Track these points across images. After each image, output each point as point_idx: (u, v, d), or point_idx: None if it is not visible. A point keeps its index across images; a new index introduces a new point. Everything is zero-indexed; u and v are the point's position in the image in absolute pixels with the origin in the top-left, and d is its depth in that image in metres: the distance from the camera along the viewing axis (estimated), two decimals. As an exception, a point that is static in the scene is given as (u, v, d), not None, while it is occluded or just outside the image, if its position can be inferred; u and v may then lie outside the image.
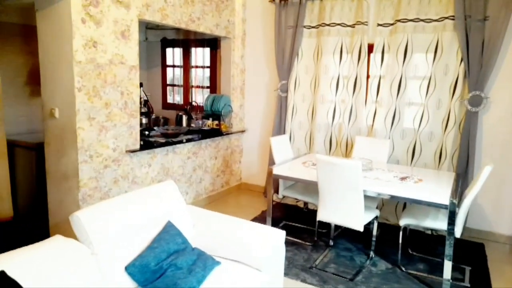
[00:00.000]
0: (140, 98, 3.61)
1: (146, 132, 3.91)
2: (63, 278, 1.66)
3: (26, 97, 4.05)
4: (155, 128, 4.18)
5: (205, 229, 2.47)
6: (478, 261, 3.28)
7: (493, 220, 3.71)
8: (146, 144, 3.56)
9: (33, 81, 4.10)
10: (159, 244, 2.12)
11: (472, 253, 3.42)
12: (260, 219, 4.02)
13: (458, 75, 3.58)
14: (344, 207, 2.90)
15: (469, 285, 2.89)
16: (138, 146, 3.44)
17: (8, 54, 3.87)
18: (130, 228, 2.06)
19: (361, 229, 2.87)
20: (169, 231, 2.22)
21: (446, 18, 3.56)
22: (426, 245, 3.54)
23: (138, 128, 3.43)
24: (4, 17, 3.89)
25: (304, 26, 4.31)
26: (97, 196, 3.12)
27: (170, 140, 3.84)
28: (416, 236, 3.70)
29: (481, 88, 3.48)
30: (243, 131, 4.99)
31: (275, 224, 3.87)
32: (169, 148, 3.84)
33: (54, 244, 1.80)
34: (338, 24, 4.11)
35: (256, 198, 4.81)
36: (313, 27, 4.29)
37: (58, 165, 3.08)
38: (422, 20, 3.68)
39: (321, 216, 3.05)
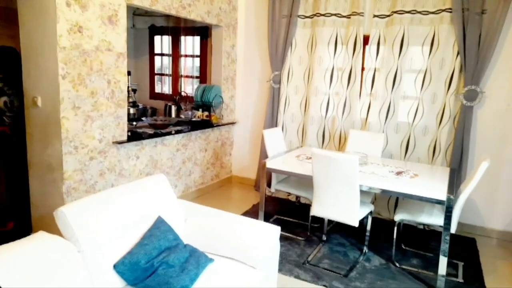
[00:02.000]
0: (128, 87, 3.46)
1: (134, 123, 3.76)
2: (48, 278, 1.54)
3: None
4: (143, 118, 4.03)
5: (197, 225, 2.37)
6: (470, 256, 3.27)
7: (485, 215, 3.71)
8: (134, 136, 3.42)
9: (14, 67, 3.88)
10: (150, 240, 2.01)
11: (464, 248, 3.42)
12: (251, 213, 3.94)
13: (454, 69, 3.54)
14: (340, 202, 2.84)
15: (462, 281, 2.88)
16: (125, 138, 3.29)
17: (-14, 38, 3.65)
18: (119, 224, 1.95)
19: (357, 224, 2.81)
20: (160, 227, 2.11)
21: (444, 10, 3.50)
22: (419, 240, 3.53)
23: (125, 119, 3.28)
24: (-18, -1, 3.66)
25: (299, 16, 4.20)
26: (82, 189, 2.98)
27: (159, 131, 3.71)
28: (409, 231, 3.68)
29: (476, 83, 3.45)
30: (234, 123, 4.88)
31: (267, 218, 3.79)
32: (158, 139, 3.71)
33: (38, 241, 1.67)
34: (334, 15, 4.01)
35: (246, 191, 4.72)
36: (307, 17, 4.18)
37: (41, 156, 2.92)
38: (419, 12, 3.62)
39: (316, 211, 2.98)
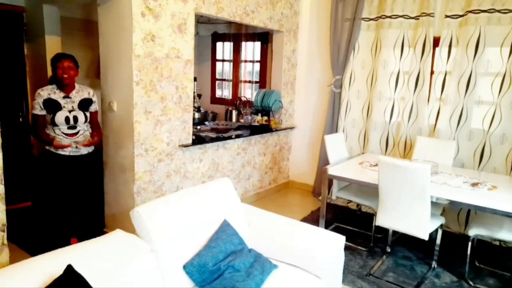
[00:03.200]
0: (194, 92, 3.59)
1: (197, 127, 3.89)
2: (125, 275, 1.63)
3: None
4: (205, 123, 4.15)
5: (260, 230, 2.39)
6: (558, 279, 2.94)
7: None
8: (198, 139, 3.53)
9: (92, 74, 4.21)
10: (217, 243, 2.05)
11: (549, 269, 3.08)
12: (310, 219, 3.88)
13: (539, 71, 3.22)
14: (408, 214, 2.69)
15: (549, 307, 2.59)
16: (190, 141, 3.42)
17: (68, 48, 4.00)
18: (188, 226, 2.02)
19: (426, 237, 2.65)
20: (225, 230, 2.15)
21: (528, 8, 3.20)
22: (495, 257, 3.24)
23: (191, 123, 3.41)
24: (67, 12, 4.02)
25: (363, 19, 4.09)
26: (150, 189, 3.14)
27: (221, 135, 3.80)
28: (482, 247, 3.39)
29: None
30: (292, 128, 4.86)
31: (326, 225, 3.71)
32: (220, 143, 3.79)
33: (115, 239, 1.78)
34: (401, 16, 3.84)
35: (304, 197, 4.67)
36: (372, 19, 4.05)
37: (116, 158, 3.12)
38: (498, 11, 3.34)
39: (381, 221, 2.86)
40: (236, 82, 5.37)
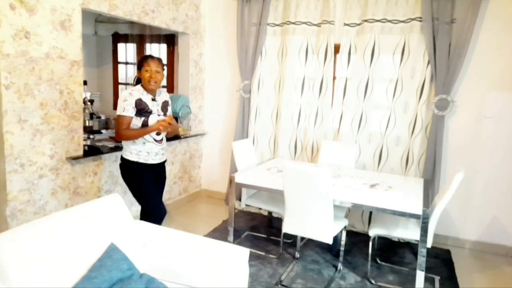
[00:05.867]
0: (84, 98, 3.20)
1: (92, 136, 3.48)
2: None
3: None
4: (102, 131, 3.75)
5: (157, 250, 2.15)
6: (446, 269, 3.18)
7: (459, 226, 3.66)
8: (92, 150, 3.15)
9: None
10: (99, 272, 1.77)
11: (439, 260, 3.33)
12: (221, 229, 3.72)
13: (425, 78, 3.49)
14: (312, 218, 2.68)
15: (440, 297, 2.77)
16: (81, 152, 3.02)
17: None
18: (62, 255, 1.70)
19: (330, 241, 2.66)
20: (112, 255, 1.87)
21: (413, 19, 3.46)
22: (394, 253, 3.42)
23: (81, 132, 3.02)
24: None
25: (268, 24, 4.08)
26: (30, 210, 2.69)
27: (121, 144, 3.45)
28: (383, 243, 3.57)
29: (447, 92, 3.41)
30: (202, 134, 4.67)
31: (237, 235, 3.59)
32: (119, 153, 3.44)
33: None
34: (304, 23, 3.91)
35: (217, 206, 4.50)
36: (277, 25, 4.06)
37: (-19, 176, 2.61)
38: (389, 21, 3.57)
39: (288, 228, 2.81)
40: (141, 87, 5.00)
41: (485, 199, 3.53)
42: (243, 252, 2.16)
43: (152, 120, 2.63)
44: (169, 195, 4.22)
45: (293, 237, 3.52)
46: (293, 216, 2.75)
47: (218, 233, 3.62)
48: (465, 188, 3.53)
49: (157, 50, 4.90)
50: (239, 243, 3.43)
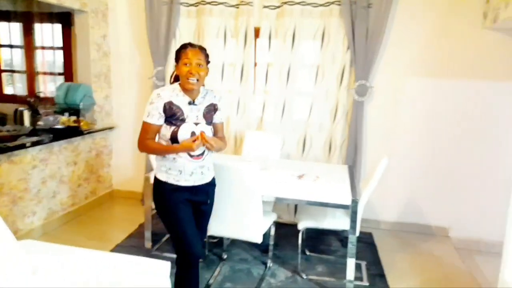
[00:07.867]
0: None
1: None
2: None
3: None
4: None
5: (52, 277, 1.72)
6: (370, 252, 3.23)
7: (378, 208, 3.77)
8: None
9: None
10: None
11: (363, 244, 3.36)
12: (137, 235, 3.30)
13: (345, 63, 3.46)
14: (239, 218, 2.45)
15: (368, 284, 2.77)
16: None
17: None
18: None
19: (260, 241, 2.46)
20: (-17, 296, 1.41)
21: (332, 3, 3.39)
22: (321, 241, 3.38)
23: None
24: None
25: (181, 3, 3.68)
26: None
27: (4, 145, 2.82)
28: (309, 232, 3.49)
29: (366, 77, 3.43)
30: (111, 128, 4.12)
31: (157, 239, 3.21)
32: (1, 156, 2.81)
33: None
34: (221, 3, 3.61)
35: (132, 207, 4.03)
36: (192, 5, 3.69)
37: None
38: (309, 4, 3.45)
39: (214, 230, 2.54)
40: (31, 74, 4.24)
41: (401, 182, 3.68)
42: (163, 266, 1.86)
43: (184, 131, 1.96)
44: (72, 201, 3.64)
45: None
46: (219, 216, 2.49)
47: (135, 240, 3.21)
48: (383, 172, 3.61)
49: (50, 31, 4.17)
50: (160, 249, 3.08)
